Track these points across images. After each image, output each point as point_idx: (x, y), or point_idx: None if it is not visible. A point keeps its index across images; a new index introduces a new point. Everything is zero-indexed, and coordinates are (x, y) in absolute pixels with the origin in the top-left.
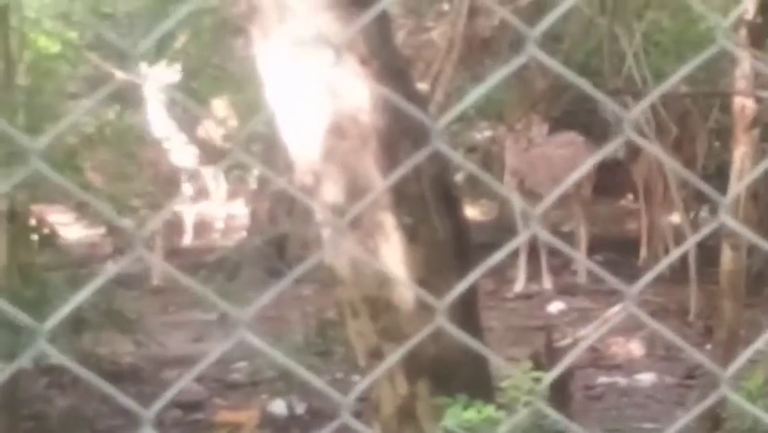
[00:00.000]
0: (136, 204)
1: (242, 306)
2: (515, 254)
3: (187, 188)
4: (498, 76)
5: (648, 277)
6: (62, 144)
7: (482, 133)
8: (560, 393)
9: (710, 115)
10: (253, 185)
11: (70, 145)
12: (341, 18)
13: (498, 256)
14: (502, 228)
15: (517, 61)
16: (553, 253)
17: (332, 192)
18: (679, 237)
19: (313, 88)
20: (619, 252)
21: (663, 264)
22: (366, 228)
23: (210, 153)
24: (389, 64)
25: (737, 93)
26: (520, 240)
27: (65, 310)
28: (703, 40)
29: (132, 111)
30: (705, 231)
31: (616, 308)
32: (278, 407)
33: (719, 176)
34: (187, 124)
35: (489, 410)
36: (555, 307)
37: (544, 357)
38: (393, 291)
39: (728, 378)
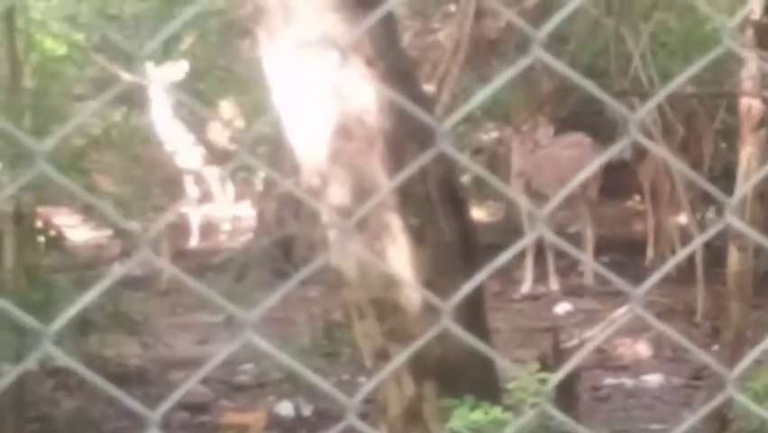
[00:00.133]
0: (142, 206)
1: (248, 307)
2: (521, 256)
3: (193, 190)
4: (503, 77)
5: (654, 278)
6: (69, 146)
7: (489, 135)
8: (567, 395)
9: (717, 115)
10: (260, 187)
11: (77, 147)
12: (347, 19)
13: (503, 258)
14: (509, 230)
15: (523, 63)
16: (559, 254)
17: (338, 194)
18: (686, 238)
19: (319, 90)
20: (626, 253)
21: (669, 265)
22: (373, 230)
23: (217, 155)
24: (396, 65)
25: (744, 93)
26: (526, 241)
27: (71, 312)
28: (710, 40)
29: (139, 113)
30: (711, 232)
31: (623, 310)
32: (285, 409)
33: (726, 177)
34: (194, 125)
35: (496, 412)
36: (562, 308)
37: (551, 359)
38: (400, 293)
39: (735, 379)
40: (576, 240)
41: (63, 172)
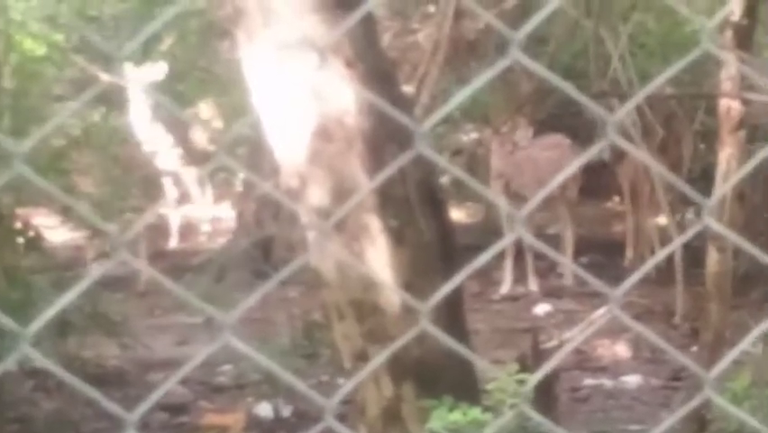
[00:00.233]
0: (121, 207)
1: (227, 309)
2: (501, 256)
3: (172, 191)
4: (481, 79)
5: (632, 279)
6: (48, 147)
7: (468, 136)
8: (545, 395)
9: (696, 117)
10: (240, 188)
11: (56, 148)
12: (326, 21)
13: (482, 259)
14: (488, 231)
15: (501, 65)
16: (539, 255)
17: (317, 195)
18: (665, 239)
19: (298, 91)
20: (605, 254)
21: (647, 267)
22: (352, 231)
23: (196, 156)
24: (375, 67)
25: (723, 95)
26: (504, 243)
27: (48, 314)
28: (688, 42)
29: (118, 113)
30: (689, 233)
31: (602, 311)
32: (264, 410)
33: (705, 178)
34: (173, 126)
35: (475, 412)
36: (541, 309)
37: (531, 359)
38: (379, 294)
39: (712, 380)
40: (555, 241)
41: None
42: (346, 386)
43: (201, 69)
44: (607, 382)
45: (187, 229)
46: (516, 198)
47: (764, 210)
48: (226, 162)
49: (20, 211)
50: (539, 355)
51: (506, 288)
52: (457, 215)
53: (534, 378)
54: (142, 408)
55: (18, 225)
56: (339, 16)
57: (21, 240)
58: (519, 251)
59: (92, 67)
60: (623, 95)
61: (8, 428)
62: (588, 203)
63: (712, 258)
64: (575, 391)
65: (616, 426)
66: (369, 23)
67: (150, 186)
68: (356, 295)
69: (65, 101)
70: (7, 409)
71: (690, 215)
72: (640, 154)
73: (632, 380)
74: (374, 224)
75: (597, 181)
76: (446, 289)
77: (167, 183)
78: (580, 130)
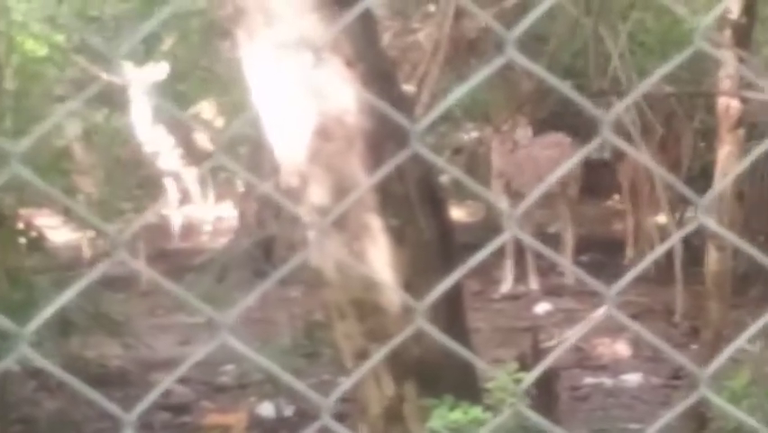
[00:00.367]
0: (123, 207)
1: (228, 308)
2: (501, 255)
3: (173, 191)
4: (477, 77)
5: (628, 278)
6: (49, 147)
7: (469, 135)
8: (546, 394)
9: (696, 115)
10: (241, 188)
11: (57, 148)
12: (327, 19)
13: (477, 258)
14: (488, 229)
15: (496, 63)
16: (539, 253)
17: (318, 194)
18: (665, 238)
19: (298, 90)
20: (605, 252)
21: (643, 265)
22: (352, 230)
23: (197, 156)
24: (375, 66)
25: (722, 93)
26: (499, 242)
27: (46, 314)
28: (687, 40)
29: (120, 114)
30: (682, 232)
31: (602, 310)
32: (267, 409)
33: (705, 176)
34: (175, 126)
35: (476, 411)
36: (542, 308)
37: (531, 358)
38: (380, 293)
39: (707, 378)
40: (556, 240)
41: (44, 173)
42: (343, 385)
43: (202, 69)
44: (607, 381)
45: (189, 229)
46: (517, 196)
47: (764, 209)
48: (224, 162)
49: (22, 212)
50: (539, 354)
51: (506, 287)
52: (457, 213)
53: (529, 377)
54: (140, 407)
55: (20, 225)
56: (339, 15)
57: (23, 240)
58: (520, 250)
59: (93, 67)
60: (622, 93)
61: (11, 428)
62: (588, 202)
63: (712, 257)
64: (575, 389)
65: (616, 424)
66: (369, 22)
67: (151, 186)
68: (357, 294)
69: (66, 101)
70: (10, 409)
71: (689, 213)
72: (635, 153)
73: (632, 378)
74: (374, 223)
75: (597, 180)
76: (442, 287)
77: (168, 183)
78: (580, 129)
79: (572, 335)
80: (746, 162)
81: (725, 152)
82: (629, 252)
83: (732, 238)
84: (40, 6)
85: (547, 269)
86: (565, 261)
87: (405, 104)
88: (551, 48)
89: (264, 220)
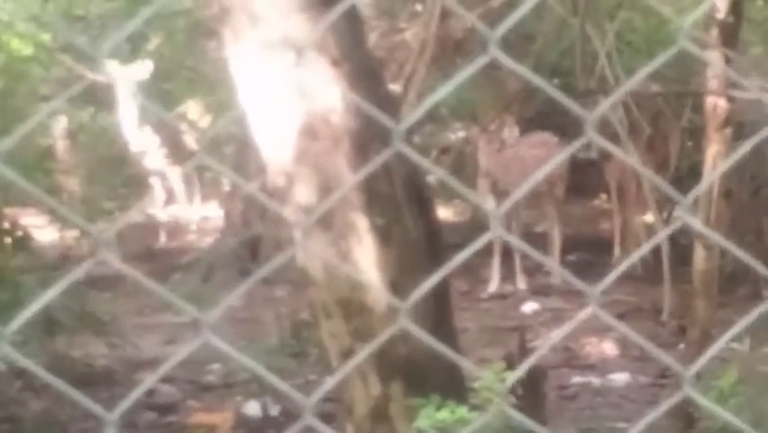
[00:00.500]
0: (109, 206)
1: (213, 308)
2: (488, 255)
3: (159, 191)
4: (460, 77)
5: (611, 277)
6: (34, 147)
7: (456, 134)
8: (533, 394)
9: (683, 114)
10: (227, 187)
11: (42, 147)
12: (312, 20)
13: (460, 258)
14: (476, 229)
15: (479, 63)
16: (527, 253)
17: (304, 194)
18: (652, 237)
19: (284, 90)
20: (593, 252)
21: (626, 264)
22: (338, 230)
23: (183, 156)
24: (361, 66)
25: (710, 92)
26: (480, 242)
27: (27, 313)
28: (674, 40)
29: (106, 113)
30: (666, 231)
31: (589, 309)
32: (253, 408)
33: (693, 175)
34: (161, 126)
35: (463, 411)
36: (529, 307)
37: (518, 358)
38: (366, 293)
39: (691, 378)
40: (543, 239)
41: (28, 173)
42: (326, 385)
43: (188, 69)
44: (595, 380)
45: (175, 228)
46: (504, 196)
47: (751, 207)
48: (207, 162)
49: (8, 211)
50: (526, 354)
51: (494, 286)
52: (444, 213)
53: (512, 376)
54: (121, 407)
55: (6, 224)
56: (325, 15)
57: (9, 240)
58: (507, 249)
59: (79, 66)
60: (609, 93)
61: None
62: (575, 201)
63: (699, 256)
64: (563, 388)
65: (604, 423)
66: (355, 21)
67: (137, 185)
68: (343, 294)
69: (52, 101)
70: None
71: (677, 212)
72: (619, 152)
73: (620, 377)
74: (361, 222)
75: (584, 179)
76: (424, 287)
77: (154, 183)
78: (567, 128)
79: (556, 335)
80: (730, 162)
81: (712, 151)
82: (617, 251)
83: (716, 238)
84: (25, 5)
85: (534, 268)
86: (549, 260)
87: (391, 103)
88: (537, 47)
89: (250, 220)
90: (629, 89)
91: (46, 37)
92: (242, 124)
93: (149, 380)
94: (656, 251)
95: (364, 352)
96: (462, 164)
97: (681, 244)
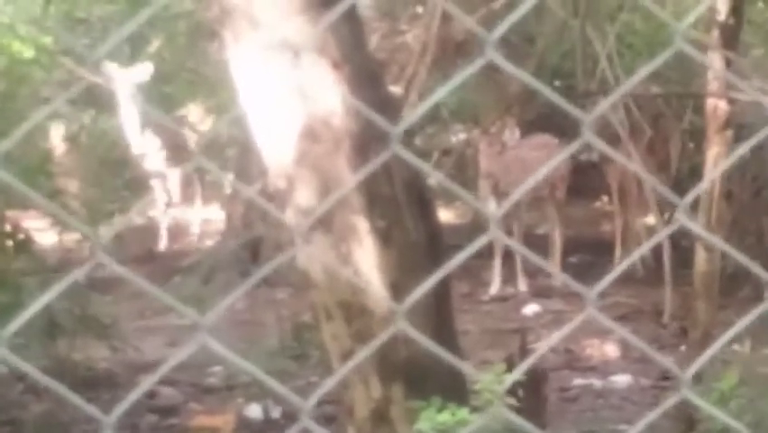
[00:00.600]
0: (110, 209)
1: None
2: (490, 257)
3: (160, 193)
4: (456, 79)
5: (608, 280)
6: (35, 149)
7: (457, 136)
8: (534, 395)
9: (684, 116)
10: (228, 189)
11: (42, 150)
12: (313, 22)
13: (458, 260)
14: (477, 231)
15: (476, 65)
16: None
17: (305, 196)
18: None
19: (285, 92)
20: (594, 253)
21: (624, 266)
22: (339, 232)
23: (184, 158)
24: (362, 68)
25: (710, 94)
26: (478, 244)
27: (26, 315)
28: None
29: (108, 116)
30: (665, 233)
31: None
32: (254, 411)
33: (693, 177)
34: (161, 129)
35: (464, 413)
36: (530, 309)
37: (519, 360)
38: (367, 295)
39: (689, 380)
40: (544, 241)
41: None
42: (323, 387)
43: (189, 71)
44: (596, 382)
45: (176, 231)
46: (505, 198)
47: (752, 209)
48: (204, 164)
49: (9, 214)
50: (527, 356)
51: (495, 288)
52: (445, 215)
53: (510, 378)
54: (119, 409)
55: (7, 227)
56: (325, 17)
57: (10, 243)
58: (508, 251)
59: (80, 69)
60: (609, 94)
61: None
62: (576, 203)
63: (700, 257)
64: (564, 390)
65: (605, 425)
66: (356, 23)
67: (138, 188)
68: (344, 296)
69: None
70: None
71: (677, 214)
72: (616, 155)
73: (621, 379)
74: (361, 224)
75: (585, 181)
76: (422, 289)
77: (155, 185)
78: (568, 130)
79: (554, 337)
80: (729, 162)
81: (713, 153)
82: (618, 253)
83: (714, 240)
84: (26, 8)
85: (536, 270)
86: (546, 262)
87: (392, 106)
88: (538, 49)
89: (251, 222)
90: (626, 91)
91: (47, 40)
92: (243, 126)
93: (146, 382)
94: (657, 253)
95: (362, 354)
96: (464, 166)
97: (682, 246)
